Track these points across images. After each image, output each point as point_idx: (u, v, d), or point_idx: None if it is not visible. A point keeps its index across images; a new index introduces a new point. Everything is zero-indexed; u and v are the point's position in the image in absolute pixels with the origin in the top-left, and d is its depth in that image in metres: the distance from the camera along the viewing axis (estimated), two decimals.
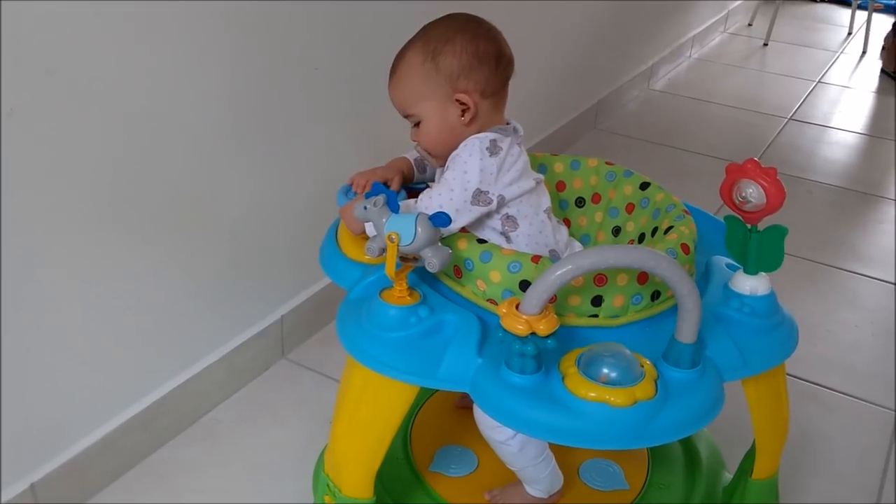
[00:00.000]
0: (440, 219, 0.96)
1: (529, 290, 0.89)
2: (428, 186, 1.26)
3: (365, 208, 0.99)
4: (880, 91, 3.49)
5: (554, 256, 1.14)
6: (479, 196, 1.05)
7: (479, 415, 1.12)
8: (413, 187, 1.25)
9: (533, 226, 1.11)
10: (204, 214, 1.38)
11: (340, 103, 1.59)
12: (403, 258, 0.99)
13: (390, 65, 1.13)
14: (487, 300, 1.03)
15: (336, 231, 1.23)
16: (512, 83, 1.14)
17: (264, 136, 1.45)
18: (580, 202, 1.27)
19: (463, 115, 1.10)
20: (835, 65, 3.73)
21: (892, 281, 2.15)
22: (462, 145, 1.08)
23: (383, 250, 0.99)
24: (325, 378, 1.61)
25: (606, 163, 1.26)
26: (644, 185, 1.21)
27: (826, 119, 3.15)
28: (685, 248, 1.05)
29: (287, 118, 1.48)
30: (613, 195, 1.24)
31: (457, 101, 1.09)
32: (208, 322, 1.46)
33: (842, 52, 3.91)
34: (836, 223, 2.43)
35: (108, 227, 1.24)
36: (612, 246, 0.90)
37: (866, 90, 3.52)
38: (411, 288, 1.01)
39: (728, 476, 1.33)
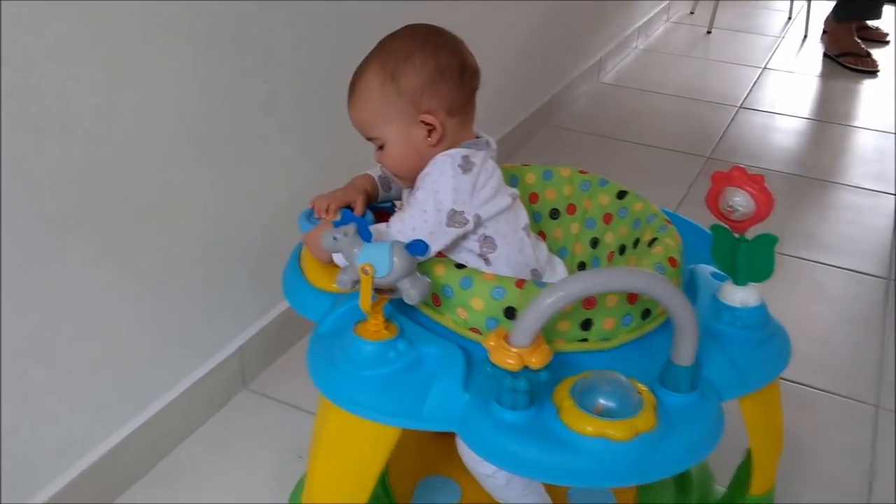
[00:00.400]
0: (418, 247, 0.89)
1: (518, 321, 0.83)
2: (394, 205, 1.19)
3: (334, 238, 0.92)
4: (824, 75, 3.51)
5: (536, 276, 1.08)
6: (453, 217, 0.99)
7: (463, 447, 1.05)
8: (378, 206, 1.18)
9: (512, 245, 1.05)
10: (156, 237, 1.29)
11: (301, 118, 1.51)
12: (378, 290, 0.92)
13: (347, 83, 1.06)
14: (470, 329, 0.96)
15: (299, 257, 1.15)
16: None
17: (222, 151, 1.36)
18: (554, 214, 1.21)
19: (429, 136, 1.03)
20: (778, 50, 3.75)
21: (855, 269, 2.14)
22: (432, 163, 1.01)
23: (356, 282, 0.92)
24: (289, 408, 1.52)
25: (580, 171, 1.20)
26: (621, 194, 1.15)
27: (774, 106, 3.15)
28: (672, 261, 1.00)
29: (246, 134, 1.39)
30: (589, 205, 1.18)
31: (421, 122, 1.03)
32: (163, 356, 1.37)
33: (783, 37, 3.93)
34: (792, 211, 2.42)
35: (50, 250, 1.13)
36: (602, 270, 0.85)
37: (811, 74, 3.54)
38: (387, 320, 0.94)
39: (720, 489, 1.29)
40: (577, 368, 0.90)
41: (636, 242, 1.09)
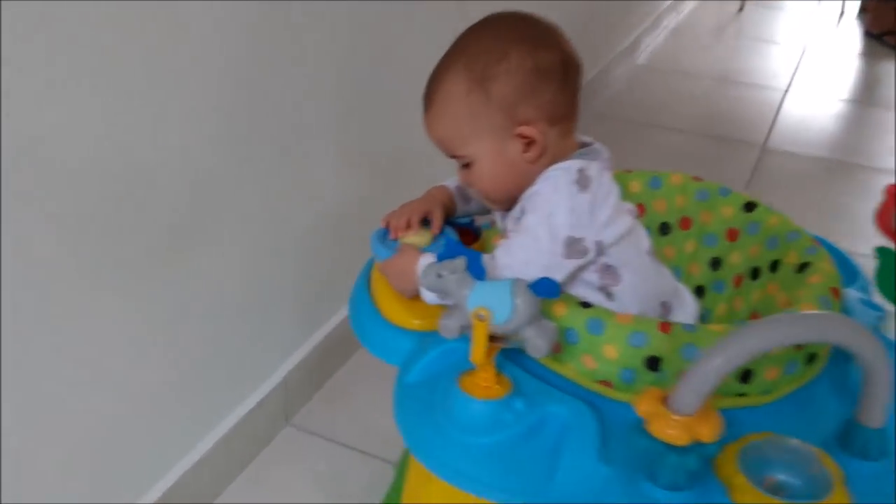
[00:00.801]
0: (546, 287, 0.72)
1: (683, 383, 0.66)
2: (473, 221, 1.01)
3: (439, 276, 0.74)
4: (867, 54, 3.33)
5: (665, 311, 0.90)
6: (572, 246, 0.81)
7: None
8: (456, 222, 1.00)
9: (637, 274, 0.87)
10: (183, 264, 1.10)
11: (342, 118, 1.32)
12: (492, 337, 0.74)
13: (424, 87, 0.89)
14: (599, 382, 0.79)
15: (367, 282, 0.98)
16: None
17: (257, 155, 1.18)
18: (665, 229, 1.03)
19: (527, 151, 0.86)
20: (815, 29, 3.57)
21: None
22: (542, 179, 0.84)
23: (465, 328, 0.75)
24: (337, 446, 1.33)
25: (694, 178, 1.03)
26: (749, 206, 0.98)
27: (818, 89, 2.97)
28: (835, 292, 0.83)
29: (282, 139, 1.21)
30: (708, 219, 1.01)
31: (518, 135, 0.85)
32: (199, 398, 1.19)
33: (819, 15, 3.74)
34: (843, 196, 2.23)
35: (72, 279, 0.95)
36: (789, 316, 0.67)
37: (852, 54, 3.36)
38: (499, 372, 0.77)
39: None
40: (735, 428, 0.73)
41: (774, 265, 0.92)
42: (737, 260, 0.98)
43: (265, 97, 1.15)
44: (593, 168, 0.85)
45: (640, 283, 0.87)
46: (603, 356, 0.77)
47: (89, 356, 0.99)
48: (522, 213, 0.84)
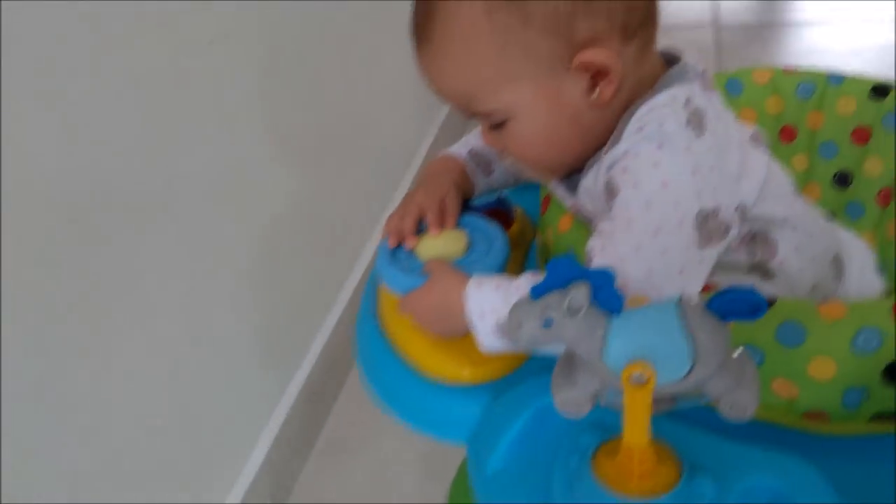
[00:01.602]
0: (739, 303, 0.42)
1: None
2: (500, 197, 0.70)
3: (547, 323, 0.43)
4: None
5: (838, 266, 0.62)
6: (707, 224, 0.51)
7: None
8: (478, 204, 0.70)
9: (798, 232, 0.58)
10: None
11: (267, 98, 0.97)
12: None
13: (412, 9, 0.56)
14: (806, 415, 0.50)
15: (374, 319, 0.67)
16: None
17: (175, 166, 0.82)
18: None
19: (595, 89, 0.54)
20: None
21: None
22: (633, 130, 0.53)
23: (597, 397, 0.45)
24: None
25: (785, 70, 0.74)
26: (880, 91, 0.70)
27: None
28: None
29: (203, 130, 0.86)
30: (819, 121, 0.72)
31: (579, 66, 0.53)
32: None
33: None
34: None
35: None
36: None
37: None
38: (655, 439, 0.47)
39: None
40: None
41: None
42: (877, 170, 0.70)
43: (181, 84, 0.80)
44: (698, 92, 0.54)
45: (805, 242, 0.58)
46: (810, 377, 0.48)
47: None
48: (609, 188, 0.53)
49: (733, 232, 0.52)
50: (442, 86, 0.57)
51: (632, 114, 0.53)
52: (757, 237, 0.57)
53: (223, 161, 0.86)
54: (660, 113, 0.52)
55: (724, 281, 0.56)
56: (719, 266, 0.54)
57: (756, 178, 0.55)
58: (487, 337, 0.54)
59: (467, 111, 0.57)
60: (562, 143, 0.57)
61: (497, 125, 0.57)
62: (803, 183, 0.74)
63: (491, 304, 0.53)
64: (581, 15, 0.51)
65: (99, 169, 0.69)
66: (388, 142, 1.27)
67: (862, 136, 0.70)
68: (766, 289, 0.57)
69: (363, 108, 1.17)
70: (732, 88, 0.73)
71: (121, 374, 0.75)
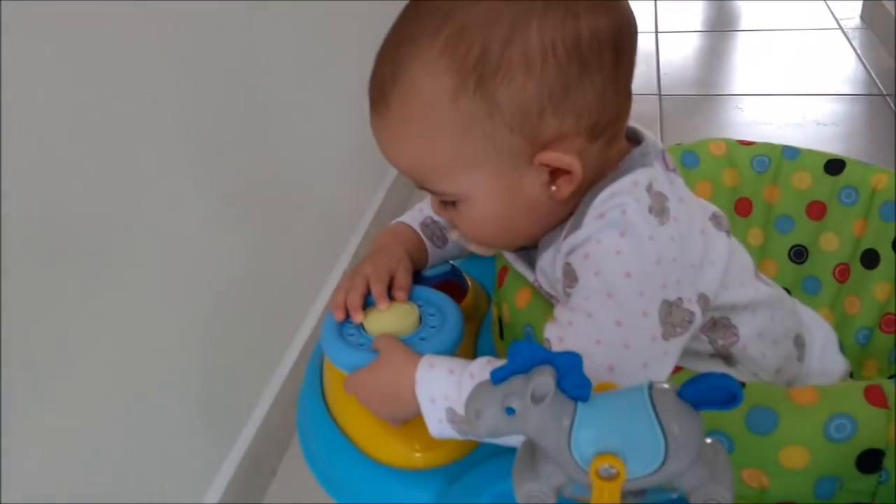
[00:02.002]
0: (713, 391, 0.39)
1: None
2: (454, 268, 0.68)
3: (510, 410, 0.40)
4: None
5: (800, 347, 0.60)
6: (670, 315, 0.49)
7: None
8: (429, 275, 0.67)
9: (759, 315, 0.57)
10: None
11: (199, 146, 0.93)
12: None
13: (372, 72, 0.53)
14: None
15: (319, 397, 0.63)
16: None
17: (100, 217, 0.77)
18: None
19: (553, 185, 0.52)
20: None
21: None
22: (593, 217, 0.50)
23: (560, 490, 0.42)
24: None
25: (741, 142, 0.73)
26: (834, 166, 0.69)
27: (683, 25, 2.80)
28: None
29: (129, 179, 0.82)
30: (775, 195, 0.72)
31: (541, 164, 0.50)
32: None
33: None
34: None
35: None
36: None
37: None
38: None
39: None
40: None
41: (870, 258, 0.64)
42: (833, 246, 0.70)
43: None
44: (660, 175, 0.53)
45: (767, 325, 0.57)
46: (781, 466, 0.46)
47: None
48: (568, 274, 0.51)
49: (697, 321, 0.50)
50: (394, 158, 0.53)
51: (593, 198, 0.51)
52: (718, 324, 0.55)
53: (164, 220, 0.81)
54: (621, 199, 0.49)
55: (687, 367, 0.53)
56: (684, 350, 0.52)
57: (718, 265, 0.53)
58: (438, 424, 0.50)
59: (418, 185, 0.54)
60: (514, 229, 0.55)
61: (449, 202, 0.55)
62: (759, 258, 0.73)
63: (443, 390, 0.49)
64: (550, 113, 0.49)
65: (33, 226, 0.64)
66: (334, 204, 1.24)
67: (817, 211, 0.70)
68: (727, 371, 0.55)
69: (308, 169, 1.14)
70: (688, 161, 0.72)
71: (48, 436, 0.68)
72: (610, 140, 0.52)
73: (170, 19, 0.80)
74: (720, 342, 0.55)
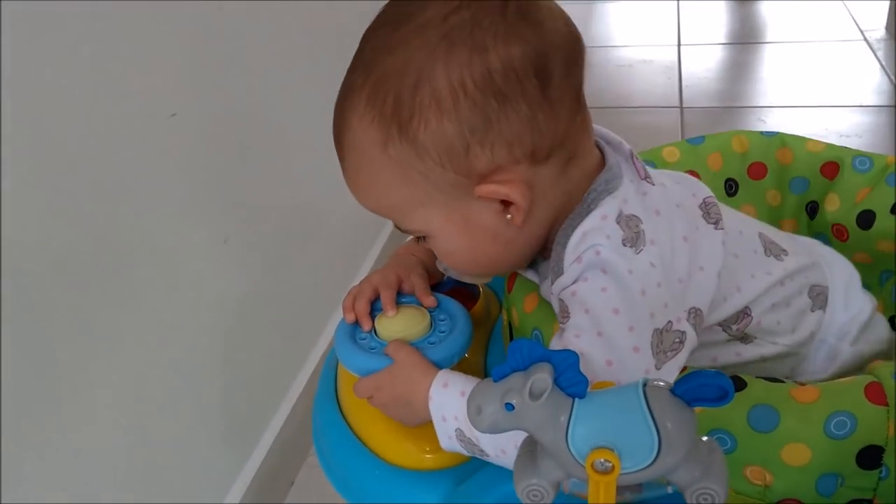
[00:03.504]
0: (705, 387, 0.40)
1: None
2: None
3: (510, 406, 0.41)
4: None
5: (822, 302, 0.61)
6: (661, 342, 0.50)
7: None
8: (443, 285, 0.68)
9: (770, 292, 0.57)
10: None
11: (203, 169, 0.95)
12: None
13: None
14: None
15: (334, 401, 0.64)
16: None
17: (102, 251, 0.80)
18: (731, 187, 0.75)
19: (506, 212, 0.52)
20: None
21: None
22: (572, 256, 0.52)
23: (559, 485, 0.42)
24: None
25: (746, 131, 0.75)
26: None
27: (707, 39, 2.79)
28: None
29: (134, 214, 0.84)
30: (789, 157, 0.73)
31: (480, 197, 0.51)
32: None
33: None
34: None
35: None
36: None
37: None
38: None
39: None
40: None
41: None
42: (834, 206, 0.71)
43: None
44: (630, 195, 0.53)
45: (778, 292, 0.58)
46: (784, 463, 0.47)
47: None
48: (562, 309, 0.52)
49: (690, 339, 0.50)
50: (360, 200, 0.56)
51: (566, 237, 0.52)
52: (734, 316, 0.56)
53: (181, 235, 0.84)
54: (593, 240, 0.50)
55: (706, 354, 0.54)
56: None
57: (710, 269, 0.53)
58: (448, 440, 0.53)
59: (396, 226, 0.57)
60: (487, 257, 0.56)
61: (421, 237, 0.57)
62: (779, 216, 0.74)
63: (453, 412, 0.51)
64: (476, 147, 0.49)
65: (52, 242, 0.67)
66: (351, 220, 1.26)
67: (831, 170, 0.71)
68: (748, 351, 0.56)
69: (326, 186, 1.16)
70: (697, 142, 0.74)
71: (70, 451, 0.71)
72: (565, 161, 0.53)
73: (189, 34, 0.83)
74: (734, 327, 0.56)
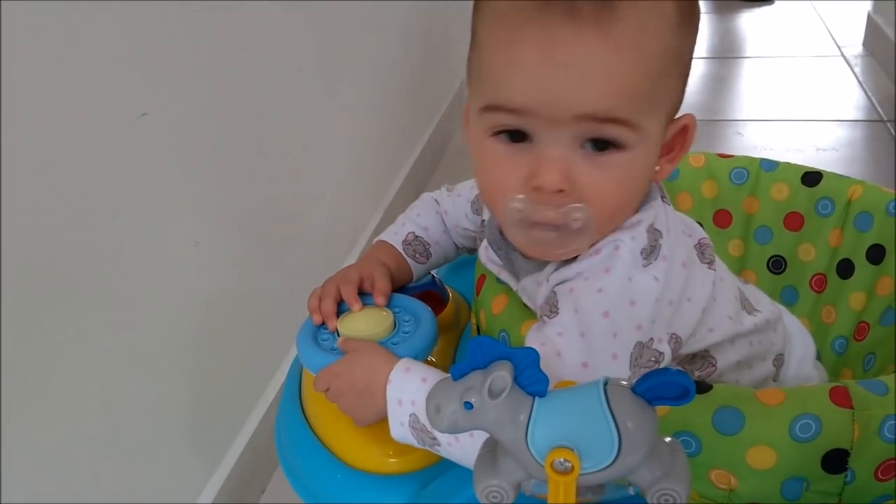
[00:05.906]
0: (666, 385, 0.39)
1: None
2: (434, 278, 0.68)
3: (468, 405, 0.40)
4: (715, 11, 3.22)
5: (778, 365, 0.60)
6: (640, 357, 0.49)
7: None
8: (412, 287, 0.67)
9: (737, 345, 0.57)
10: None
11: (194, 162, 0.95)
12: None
13: None
14: None
15: (298, 406, 0.63)
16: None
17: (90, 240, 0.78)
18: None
19: (663, 159, 0.52)
20: None
21: None
22: (593, 246, 0.51)
23: (519, 486, 0.42)
24: None
25: (720, 155, 0.74)
26: (810, 178, 0.70)
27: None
28: None
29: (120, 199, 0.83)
30: (755, 206, 0.72)
31: (672, 127, 0.51)
32: None
33: None
34: None
35: None
36: None
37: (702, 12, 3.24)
38: None
39: None
40: None
41: (879, 253, 0.64)
42: (811, 256, 0.70)
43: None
44: (660, 209, 0.53)
45: (745, 351, 0.57)
46: (748, 467, 0.46)
47: None
48: (550, 304, 0.51)
49: (667, 360, 0.50)
50: (596, 75, 0.45)
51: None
52: (697, 356, 0.55)
53: (154, 237, 0.82)
54: (619, 235, 0.50)
55: None
56: None
57: (696, 303, 0.53)
58: (400, 427, 0.51)
59: (596, 118, 0.46)
60: (626, 206, 0.51)
61: (605, 146, 0.47)
62: (739, 268, 0.73)
63: (411, 395, 0.50)
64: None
65: (19, 243, 0.65)
66: (331, 224, 1.25)
67: (795, 222, 0.70)
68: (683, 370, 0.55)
69: (305, 189, 1.15)
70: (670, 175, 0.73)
71: (37, 453, 0.69)
72: None
73: (165, 30, 0.82)
74: (696, 374, 0.55)
